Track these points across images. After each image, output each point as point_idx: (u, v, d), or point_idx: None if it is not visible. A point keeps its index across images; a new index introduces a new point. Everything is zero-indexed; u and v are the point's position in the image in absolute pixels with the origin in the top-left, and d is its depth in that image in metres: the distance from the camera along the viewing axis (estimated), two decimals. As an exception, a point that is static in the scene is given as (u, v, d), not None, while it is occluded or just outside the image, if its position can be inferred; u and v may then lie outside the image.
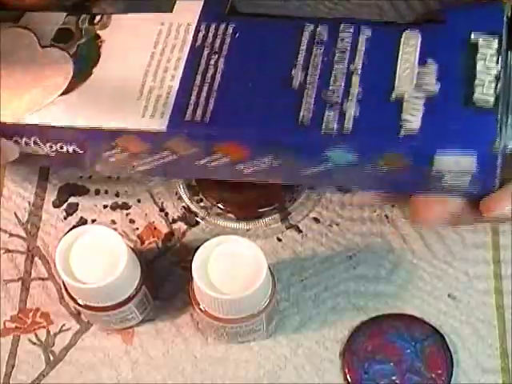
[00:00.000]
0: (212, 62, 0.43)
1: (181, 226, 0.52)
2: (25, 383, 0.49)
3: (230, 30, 0.43)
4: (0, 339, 0.49)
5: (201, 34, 0.43)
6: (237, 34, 0.43)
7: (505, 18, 0.41)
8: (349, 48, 0.42)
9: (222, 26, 0.43)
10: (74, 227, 0.52)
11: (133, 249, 0.47)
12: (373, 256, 0.51)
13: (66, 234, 0.45)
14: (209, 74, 0.43)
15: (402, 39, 0.41)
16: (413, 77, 0.41)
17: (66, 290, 0.46)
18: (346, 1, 0.60)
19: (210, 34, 0.43)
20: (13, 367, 0.49)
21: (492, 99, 0.39)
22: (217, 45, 0.43)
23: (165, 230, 0.52)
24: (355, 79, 0.41)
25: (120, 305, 0.46)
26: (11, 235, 0.53)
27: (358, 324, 0.49)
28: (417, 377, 0.47)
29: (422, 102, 0.40)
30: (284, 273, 0.51)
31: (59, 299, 0.51)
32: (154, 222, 0.53)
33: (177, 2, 0.45)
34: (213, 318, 0.45)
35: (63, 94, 0.43)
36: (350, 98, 0.41)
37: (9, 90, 0.44)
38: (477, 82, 0.40)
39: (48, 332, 0.50)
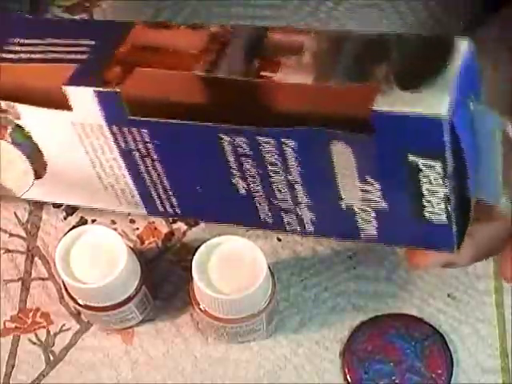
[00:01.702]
0: (149, 165, 0.41)
1: (181, 226, 0.52)
2: (25, 383, 0.49)
3: (146, 137, 0.40)
4: (0, 339, 0.49)
5: (119, 137, 0.40)
6: (155, 141, 0.40)
7: (445, 138, 0.33)
8: (278, 162, 0.38)
9: (135, 131, 0.40)
10: (73, 227, 0.52)
11: (133, 249, 0.47)
12: (373, 256, 0.51)
13: (65, 234, 0.45)
14: (154, 176, 0.42)
15: (333, 152, 0.36)
16: (357, 192, 0.38)
17: (66, 289, 0.46)
18: (346, 1, 0.60)
19: (129, 139, 0.40)
20: (13, 367, 0.49)
21: (444, 217, 0.37)
22: (143, 150, 0.40)
23: (165, 230, 0.52)
24: (298, 188, 0.39)
25: (120, 305, 0.46)
26: (11, 235, 0.53)
27: (357, 324, 0.49)
28: (417, 377, 0.47)
29: (373, 213, 0.39)
30: (284, 273, 0.51)
31: (59, 299, 0.51)
32: (153, 222, 0.53)
33: (69, 99, 0.40)
34: (213, 318, 0.45)
35: (36, 178, 0.45)
36: (300, 203, 0.40)
37: None
38: (424, 201, 0.36)
39: (48, 332, 0.50)
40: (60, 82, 0.39)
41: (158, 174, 0.42)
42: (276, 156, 0.38)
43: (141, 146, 0.40)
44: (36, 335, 0.50)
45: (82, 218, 0.53)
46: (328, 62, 0.36)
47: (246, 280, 0.43)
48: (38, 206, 0.53)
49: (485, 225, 0.40)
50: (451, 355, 0.48)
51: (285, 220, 0.42)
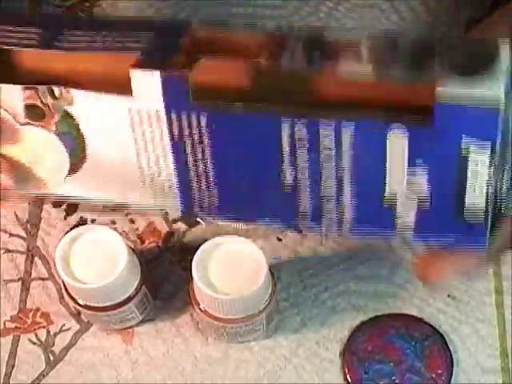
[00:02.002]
0: (198, 155, 0.41)
1: (181, 226, 0.52)
2: (25, 383, 0.49)
3: (203, 123, 0.40)
4: (0, 339, 0.49)
5: (175, 125, 0.41)
6: (213, 127, 0.40)
7: (499, 126, 0.36)
8: (333, 147, 0.39)
9: (193, 117, 0.40)
10: (73, 227, 0.52)
11: (133, 249, 0.47)
12: (373, 256, 0.51)
13: (65, 233, 0.45)
14: (200, 168, 0.42)
15: (388, 138, 0.38)
16: (403, 181, 0.39)
17: (66, 289, 0.46)
18: (346, 1, 0.60)
19: (185, 125, 0.40)
20: (13, 367, 0.49)
21: (482, 217, 0.38)
22: (196, 137, 0.41)
23: (165, 229, 0.52)
24: (345, 178, 0.40)
25: (120, 305, 0.46)
26: (11, 235, 0.53)
27: (357, 324, 0.49)
28: (417, 377, 0.47)
29: (415, 204, 0.39)
30: (284, 273, 0.51)
31: (59, 299, 0.51)
32: (154, 222, 0.53)
33: (132, 82, 0.40)
34: (213, 318, 0.45)
35: (69, 174, 0.44)
36: (343, 195, 0.41)
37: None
38: (466, 197, 0.38)
39: (48, 332, 0.50)
40: (126, 67, 0.39)
41: (205, 164, 0.42)
42: (332, 143, 0.39)
43: (195, 133, 0.41)
44: (36, 335, 0.50)
45: (81, 217, 0.53)
46: (385, 56, 0.38)
47: (246, 280, 0.43)
48: (38, 205, 0.53)
49: None
50: (451, 355, 0.48)
51: (324, 214, 0.42)
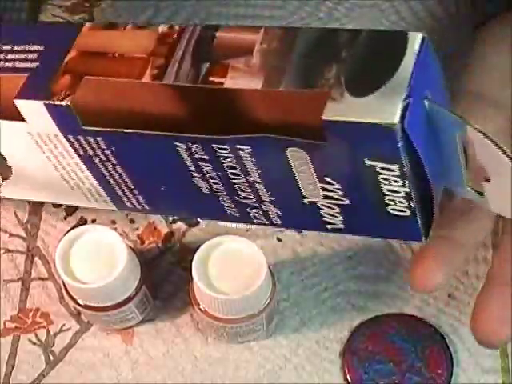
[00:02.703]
0: (110, 168, 0.41)
1: (181, 226, 0.52)
2: (25, 383, 0.49)
3: (103, 145, 0.40)
4: (0, 339, 0.49)
5: (77, 145, 0.40)
6: (113, 148, 0.39)
7: (399, 145, 0.32)
8: (236, 165, 0.37)
9: (91, 140, 0.39)
10: (73, 227, 0.52)
11: (133, 249, 0.47)
12: (373, 256, 0.51)
13: (66, 233, 0.45)
14: (117, 177, 0.42)
15: (289, 156, 0.36)
16: (318, 191, 0.37)
17: (66, 289, 0.46)
18: (346, 1, 0.60)
19: (86, 146, 0.40)
20: (13, 367, 0.49)
21: (408, 211, 0.36)
22: (102, 156, 0.40)
23: (165, 230, 0.52)
24: (260, 187, 0.39)
25: (120, 305, 0.46)
26: (11, 235, 0.53)
27: (357, 324, 0.49)
28: (417, 377, 0.47)
29: (337, 209, 0.38)
30: (284, 273, 0.51)
31: (59, 299, 0.51)
32: (153, 222, 0.53)
33: (21, 112, 0.39)
34: (213, 318, 0.45)
35: (3, 180, 0.45)
36: (264, 201, 0.40)
37: None
38: (387, 199, 0.36)
39: (48, 332, 0.50)
40: (12, 95, 0.39)
41: (121, 176, 0.42)
42: (233, 160, 0.37)
43: (99, 153, 0.40)
44: (36, 335, 0.50)
45: (81, 217, 0.53)
46: (278, 63, 0.35)
47: (246, 280, 0.43)
48: (38, 206, 0.53)
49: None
50: (451, 355, 0.48)
51: (251, 214, 0.41)
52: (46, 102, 0.38)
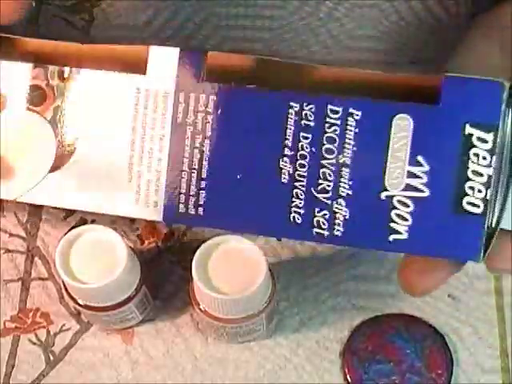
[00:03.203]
0: (197, 143, 0.41)
1: (181, 225, 0.52)
2: (25, 383, 0.49)
3: (211, 106, 0.40)
4: (0, 339, 0.49)
5: (181, 108, 0.41)
6: (219, 111, 0.40)
7: (502, 109, 0.37)
8: (337, 136, 0.39)
9: (203, 98, 0.40)
10: (73, 227, 0.51)
11: (133, 249, 0.47)
12: (373, 256, 0.51)
13: (65, 234, 0.45)
14: (195, 160, 0.41)
15: (393, 128, 0.39)
16: (403, 179, 0.39)
17: (66, 289, 0.46)
18: (346, 1, 0.60)
19: (191, 109, 0.40)
20: (13, 367, 0.49)
21: (481, 206, 0.38)
22: (199, 123, 0.41)
23: (165, 229, 0.52)
24: (345, 173, 0.40)
25: (120, 305, 0.46)
26: (11, 235, 0.53)
27: (357, 324, 0.49)
28: (417, 377, 0.47)
29: (412, 206, 0.39)
30: (284, 273, 0.51)
31: (59, 299, 0.51)
32: (153, 222, 0.53)
33: (149, 55, 0.40)
34: (213, 318, 0.45)
35: (52, 170, 0.42)
36: (339, 196, 0.40)
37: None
38: (467, 187, 0.38)
39: (48, 332, 0.50)
40: (139, 48, 0.41)
41: (201, 157, 0.41)
42: (337, 130, 0.39)
43: (199, 119, 0.41)
44: (36, 335, 0.50)
45: (81, 218, 0.53)
46: None
47: (246, 280, 0.43)
48: (38, 206, 0.53)
49: None
50: (451, 355, 0.48)
51: (316, 217, 0.41)
52: (183, 49, 0.40)
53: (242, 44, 0.59)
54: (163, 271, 0.51)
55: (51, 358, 0.49)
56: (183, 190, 0.42)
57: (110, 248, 0.44)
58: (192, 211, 0.42)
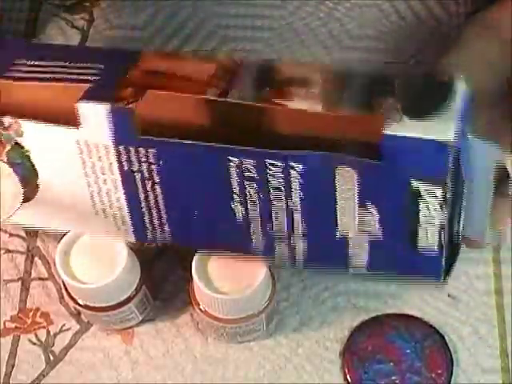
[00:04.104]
0: (148, 187, 0.42)
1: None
2: (25, 383, 0.49)
3: (152, 158, 0.40)
4: (0, 339, 0.49)
5: (123, 158, 0.41)
6: (160, 162, 0.40)
7: (450, 165, 0.36)
8: (283, 186, 0.39)
9: (142, 151, 0.40)
10: (73, 227, 0.52)
11: (133, 249, 0.47)
12: (373, 256, 0.51)
13: (66, 233, 0.45)
14: (151, 201, 0.42)
15: (337, 177, 0.38)
16: (354, 222, 0.39)
17: (66, 289, 0.46)
18: (346, 1, 0.60)
19: (134, 160, 0.40)
20: (13, 367, 0.49)
21: (436, 249, 0.39)
22: (145, 172, 0.41)
23: (165, 229, 0.52)
24: (297, 217, 0.40)
25: (120, 305, 0.46)
26: (11, 235, 0.53)
27: (357, 324, 0.49)
28: (417, 377, 0.47)
29: (367, 245, 0.40)
30: (284, 273, 0.51)
31: (59, 299, 0.51)
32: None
33: (79, 114, 0.40)
34: (213, 318, 0.45)
35: (24, 201, 0.44)
36: (295, 233, 0.41)
37: None
38: (420, 232, 0.39)
39: (48, 332, 0.50)
40: (73, 99, 0.39)
41: (156, 198, 0.42)
42: (281, 180, 0.39)
43: (144, 168, 0.41)
44: (36, 335, 0.50)
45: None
46: (335, 95, 0.38)
47: (246, 280, 0.43)
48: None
49: None
50: (451, 355, 0.48)
51: (276, 249, 0.42)
52: (111, 105, 0.39)
53: (241, 44, 0.59)
54: (163, 271, 0.51)
55: (51, 357, 0.49)
56: (148, 225, 0.43)
57: (110, 248, 0.44)
58: (160, 237, 0.44)
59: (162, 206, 0.42)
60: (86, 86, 0.40)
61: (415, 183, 0.37)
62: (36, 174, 0.43)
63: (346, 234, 0.40)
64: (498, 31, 0.45)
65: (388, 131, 0.35)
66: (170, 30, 0.59)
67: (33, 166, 0.43)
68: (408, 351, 0.48)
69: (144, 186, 0.41)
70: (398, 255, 0.40)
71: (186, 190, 0.41)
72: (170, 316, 0.50)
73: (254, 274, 0.43)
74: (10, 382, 0.49)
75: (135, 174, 0.41)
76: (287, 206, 0.40)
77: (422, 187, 0.37)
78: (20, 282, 0.51)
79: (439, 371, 0.47)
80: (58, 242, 0.45)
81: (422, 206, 0.37)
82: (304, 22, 0.60)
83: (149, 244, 0.52)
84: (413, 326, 0.49)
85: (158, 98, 0.39)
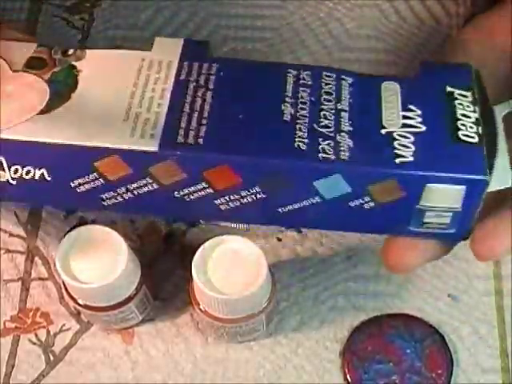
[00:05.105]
0: (199, 93, 0.41)
1: (181, 225, 0.52)
2: (25, 383, 0.49)
3: (214, 69, 0.42)
4: (0, 339, 0.49)
5: (184, 71, 0.42)
6: (221, 73, 0.42)
7: (473, 78, 0.42)
8: (334, 91, 0.42)
9: (205, 65, 0.42)
10: (74, 227, 0.52)
11: (133, 249, 0.47)
12: (373, 256, 0.51)
13: (66, 233, 0.45)
14: (197, 104, 0.41)
15: (382, 88, 0.42)
16: (399, 119, 0.41)
17: (66, 289, 0.46)
18: (346, 1, 0.60)
19: (194, 71, 0.42)
20: (13, 367, 0.49)
21: (476, 138, 0.40)
22: (202, 80, 0.42)
23: (165, 229, 0.52)
24: (344, 115, 0.41)
25: (120, 305, 0.46)
26: (11, 235, 0.53)
27: (357, 324, 0.49)
28: (417, 377, 0.47)
29: (412, 137, 0.41)
30: (284, 273, 0.51)
31: (59, 299, 0.51)
32: (154, 222, 0.53)
33: (155, 42, 0.43)
34: (213, 318, 0.45)
35: (40, 113, 0.41)
36: (341, 131, 0.41)
37: None
38: (459, 124, 0.41)
39: (48, 332, 0.50)
40: None
41: (203, 103, 0.41)
42: (333, 87, 0.42)
43: (202, 77, 0.42)
44: (36, 335, 0.50)
45: (82, 217, 0.53)
46: None
47: (246, 280, 0.43)
48: (38, 207, 0.53)
49: None
50: (451, 355, 0.48)
51: (320, 146, 0.40)
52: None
53: (242, 44, 0.59)
54: (163, 271, 0.51)
55: (51, 357, 0.49)
56: (183, 125, 0.40)
57: (110, 248, 0.44)
58: (191, 141, 0.40)
59: (205, 112, 0.41)
60: None
61: (449, 89, 0.42)
62: (73, 89, 0.42)
63: (390, 129, 0.41)
64: (495, 36, 0.45)
65: None
66: (170, 30, 0.59)
67: (75, 82, 0.42)
68: (408, 351, 0.48)
69: (195, 93, 0.41)
70: (443, 146, 0.41)
71: (239, 96, 0.42)
72: (169, 316, 0.50)
73: (254, 274, 0.43)
74: (10, 382, 0.49)
75: (190, 83, 0.42)
76: (336, 107, 0.42)
77: (456, 92, 0.42)
78: (20, 282, 0.51)
79: (439, 371, 0.47)
80: (59, 241, 0.45)
81: (457, 106, 0.42)
82: (304, 22, 0.60)
83: (149, 244, 0.52)
84: (413, 325, 0.49)
85: None
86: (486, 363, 0.48)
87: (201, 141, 0.40)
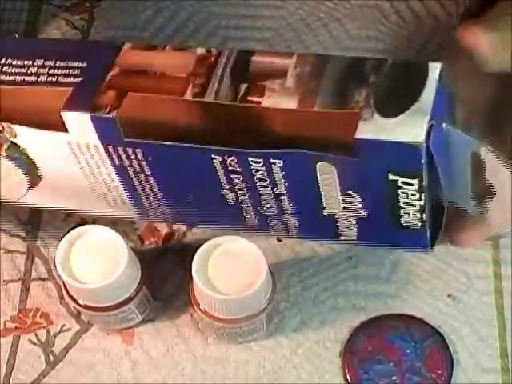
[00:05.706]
0: (142, 178, 0.43)
1: (181, 226, 0.52)
2: (25, 383, 0.49)
3: (140, 156, 0.41)
4: (0, 339, 0.49)
5: (114, 156, 0.42)
6: (149, 158, 0.42)
7: (423, 161, 0.37)
8: (267, 177, 0.41)
9: (130, 150, 0.41)
10: (74, 227, 0.51)
11: (133, 249, 0.47)
12: (373, 256, 0.51)
13: (65, 233, 0.45)
14: (147, 188, 0.44)
15: (318, 170, 0.39)
16: (339, 203, 0.41)
17: (66, 289, 0.46)
18: (346, 1, 0.60)
19: (123, 157, 0.42)
20: (13, 367, 0.49)
21: (419, 224, 0.40)
22: (136, 166, 0.42)
23: (165, 230, 0.52)
24: (284, 199, 0.42)
25: (120, 305, 0.46)
26: (11, 235, 0.53)
27: (357, 324, 0.49)
28: (417, 377, 0.47)
29: (354, 221, 0.42)
30: (284, 273, 0.51)
31: (59, 299, 0.51)
32: (154, 223, 0.53)
33: (65, 121, 0.41)
34: (213, 318, 0.45)
35: (30, 188, 0.45)
36: (285, 212, 0.43)
37: None
38: (402, 212, 0.40)
39: (48, 332, 0.50)
40: (57, 107, 0.40)
41: (151, 187, 0.44)
42: (264, 173, 0.40)
43: (135, 163, 0.42)
44: (36, 335, 0.50)
45: (82, 218, 0.53)
46: (311, 86, 0.38)
47: (246, 280, 0.43)
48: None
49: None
50: (451, 355, 0.48)
51: (270, 225, 0.44)
52: (93, 114, 0.40)
53: (242, 44, 0.59)
54: (163, 271, 0.51)
55: (51, 358, 0.49)
56: (147, 206, 0.45)
57: (111, 248, 0.44)
58: (161, 216, 0.46)
59: (157, 192, 0.44)
60: (70, 89, 0.41)
61: (392, 177, 0.38)
62: (36, 167, 0.44)
63: (333, 213, 0.41)
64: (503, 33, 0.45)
65: (360, 133, 0.36)
66: (170, 30, 0.60)
67: (31, 160, 0.44)
68: (408, 351, 0.48)
69: (138, 177, 0.43)
70: (385, 230, 0.41)
71: (177, 180, 0.43)
72: (169, 316, 0.50)
73: (254, 274, 0.43)
74: (10, 382, 0.49)
75: (127, 168, 0.42)
76: (274, 192, 0.41)
77: (399, 179, 0.38)
78: (20, 283, 0.51)
79: (439, 371, 0.47)
80: (58, 242, 0.45)
81: (401, 195, 0.39)
82: (304, 22, 0.60)
83: (149, 244, 0.52)
84: (413, 326, 0.49)
85: (139, 100, 0.40)
86: (486, 363, 0.48)
87: (169, 218, 0.47)
